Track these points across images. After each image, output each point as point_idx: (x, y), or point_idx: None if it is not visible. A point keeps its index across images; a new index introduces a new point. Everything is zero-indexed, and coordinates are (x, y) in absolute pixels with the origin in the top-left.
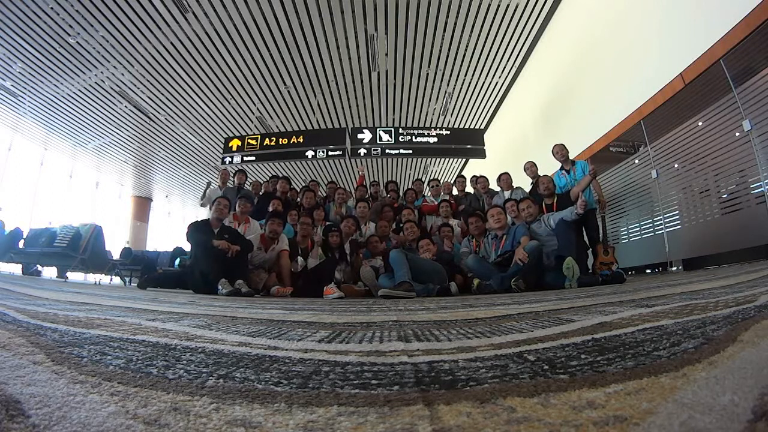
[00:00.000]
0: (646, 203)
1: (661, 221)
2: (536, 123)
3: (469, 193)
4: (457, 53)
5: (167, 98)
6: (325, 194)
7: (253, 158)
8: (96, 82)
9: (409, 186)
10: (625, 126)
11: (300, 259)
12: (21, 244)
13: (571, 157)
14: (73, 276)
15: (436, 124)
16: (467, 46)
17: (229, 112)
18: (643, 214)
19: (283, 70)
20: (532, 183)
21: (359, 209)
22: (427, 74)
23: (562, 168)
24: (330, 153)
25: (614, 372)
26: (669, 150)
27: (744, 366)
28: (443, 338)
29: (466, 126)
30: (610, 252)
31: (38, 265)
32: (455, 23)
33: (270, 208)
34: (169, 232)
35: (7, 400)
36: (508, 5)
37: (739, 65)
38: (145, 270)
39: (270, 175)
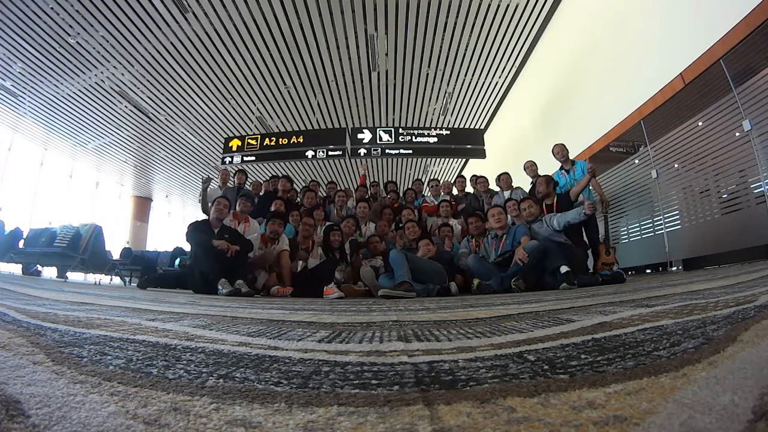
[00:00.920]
0: (646, 203)
1: (661, 221)
2: (536, 123)
3: (469, 193)
4: (457, 53)
5: (167, 98)
6: (325, 194)
7: (253, 158)
8: (96, 82)
9: (409, 186)
10: (625, 126)
11: (300, 261)
12: (21, 244)
13: (571, 157)
14: (73, 276)
15: (436, 124)
16: (467, 46)
17: (229, 112)
18: (643, 214)
19: (283, 70)
20: (532, 183)
21: (359, 209)
22: (427, 74)
23: (561, 168)
24: (330, 153)
25: (614, 372)
26: (669, 150)
27: (744, 366)
28: (443, 338)
29: (466, 126)
30: (612, 252)
31: (38, 265)
32: (455, 23)
33: (272, 208)
34: (169, 232)
35: (7, 400)
36: (508, 5)
37: (739, 65)
38: (145, 270)
39: (270, 174)
